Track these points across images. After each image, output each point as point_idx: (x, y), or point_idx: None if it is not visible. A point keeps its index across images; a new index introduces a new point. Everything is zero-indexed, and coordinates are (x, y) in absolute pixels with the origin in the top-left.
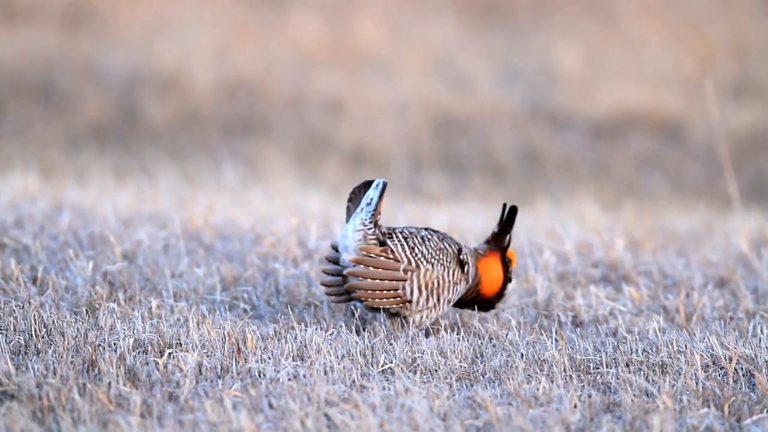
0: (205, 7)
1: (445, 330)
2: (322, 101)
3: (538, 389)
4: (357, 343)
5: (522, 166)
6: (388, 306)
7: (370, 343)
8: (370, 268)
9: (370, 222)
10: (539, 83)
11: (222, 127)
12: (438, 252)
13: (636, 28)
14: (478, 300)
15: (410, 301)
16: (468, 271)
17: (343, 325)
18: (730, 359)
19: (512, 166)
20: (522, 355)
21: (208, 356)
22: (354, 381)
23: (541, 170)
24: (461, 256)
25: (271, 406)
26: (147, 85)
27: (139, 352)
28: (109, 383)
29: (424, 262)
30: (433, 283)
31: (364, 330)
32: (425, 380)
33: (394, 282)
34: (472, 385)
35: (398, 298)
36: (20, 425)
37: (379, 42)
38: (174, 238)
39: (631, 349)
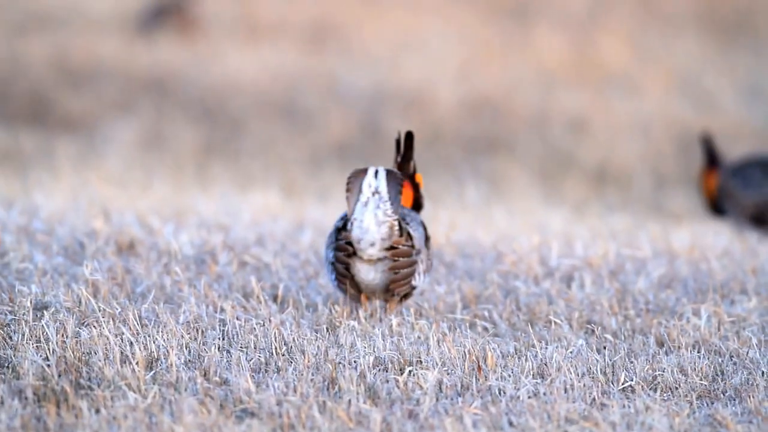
0: (449, 25)
1: (686, 348)
2: (566, 119)
3: None
4: (597, 360)
5: None
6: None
7: (610, 360)
8: (401, 259)
9: (393, 212)
10: None
11: (465, 145)
12: (424, 229)
13: None
14: None
15: (416, 287)
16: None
17: (584, 342)
18: None
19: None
20: (763, 373)
21: (448, 374)
22: (594, 399)
23: None
24: (427, 232)
25: (511, 423)
26: (390, 103)
27: (379, 369)
28: (349, 401)
29: (424, 244)
30: (429, 264)
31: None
32: (665, 398)
33: (413, 268)
34: (712, 403)
35: (410, 284)
36: None
37: (622, 60)
38: None
39: None
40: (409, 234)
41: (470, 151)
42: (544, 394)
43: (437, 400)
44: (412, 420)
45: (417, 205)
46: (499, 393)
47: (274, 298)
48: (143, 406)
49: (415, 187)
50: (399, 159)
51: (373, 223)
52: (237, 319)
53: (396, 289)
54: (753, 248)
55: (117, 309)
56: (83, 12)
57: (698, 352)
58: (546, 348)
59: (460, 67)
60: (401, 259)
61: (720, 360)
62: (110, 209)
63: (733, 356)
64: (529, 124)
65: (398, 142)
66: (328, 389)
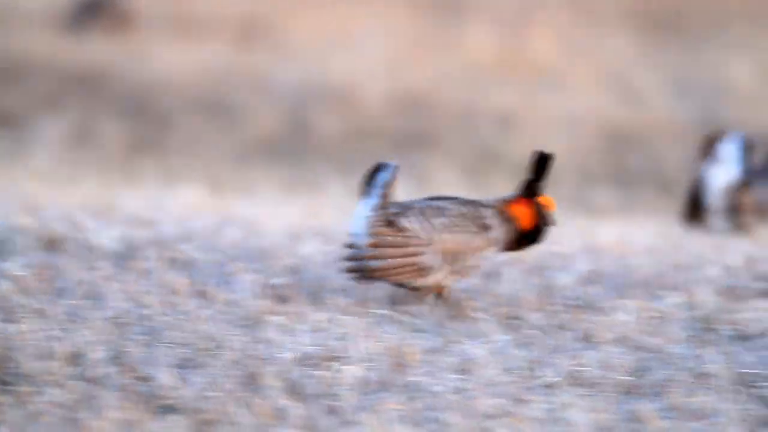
0: (378, 21)
1: (610, 343)
2: (493, 115)
3: (701, 403)
4: (520, 356)
5: None
6: (411, 280)
7: (533, 356)
8: (388, 249)
9: (378, 205)
10: (711, 97)
11: (392, 141)
12: (459, 218)
13: None
14: (522, 242)
15: (430, 274)
16: (493, 234)
17: (507, 338)
18: None
19: (683, 180)
20: (687, 369)
21: (371, 369)
22: (517, 395)
23: None
24: (485, 221)
25: (432, 419)
26: (318, 99)
27: (302, 365)
28: (272, 396)
29: (442, 233)
30: (454, 253)
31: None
32: (588, 394)
33: (413, 258)
34: (635, 399)
35: (419, 271)
36: None
37: (552, 56)
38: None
39: None
40: (400, 226)
41: (397, 146)
42: (467, 389)
43: (360, 395)
44: (334, 415)
45: (538, 228)
46: (422, 388)
47: (199, 294)
48: (66, 402)
49: (538, 209)
50: (529, 177)
51: (359, 215)
52: (162, 314)
53: (385, 277)
54: (678, 244)
55: (41, 305)
56: (13, 7)
57: (622, 347)
58: (469, 344)
59: (389, 63)
60: (385, 248)
61: (644, 356)
62: (37, 205)
63: (657, 352)
64: (456, 119)
65: (533, 161)
66: (250, 385)
